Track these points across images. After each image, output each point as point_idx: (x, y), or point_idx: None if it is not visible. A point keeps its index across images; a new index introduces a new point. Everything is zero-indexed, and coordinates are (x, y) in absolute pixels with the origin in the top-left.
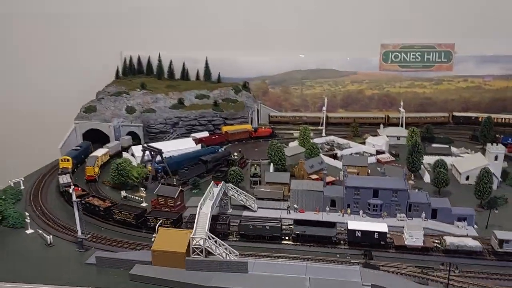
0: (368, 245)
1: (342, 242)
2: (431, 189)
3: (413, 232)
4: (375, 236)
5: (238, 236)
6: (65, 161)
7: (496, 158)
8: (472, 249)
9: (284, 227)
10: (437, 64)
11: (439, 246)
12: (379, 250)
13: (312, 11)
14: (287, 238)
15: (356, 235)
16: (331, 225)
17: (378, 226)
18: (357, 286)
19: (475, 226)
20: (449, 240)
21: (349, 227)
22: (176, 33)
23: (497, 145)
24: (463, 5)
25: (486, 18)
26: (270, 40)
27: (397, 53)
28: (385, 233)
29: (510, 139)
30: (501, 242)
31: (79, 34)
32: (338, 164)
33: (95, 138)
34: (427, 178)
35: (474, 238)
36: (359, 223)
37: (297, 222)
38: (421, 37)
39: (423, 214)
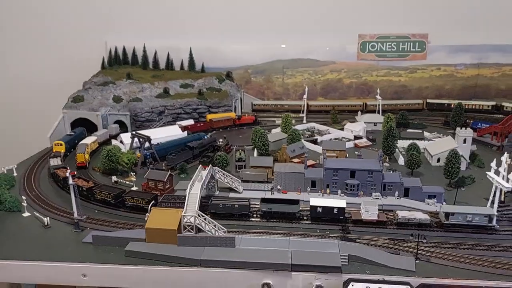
0: (328, 220)
1: (305, 218)
2: (405, 171)
3: (369, 207)
4: (335, 212)
5: (208, 215)
6: (58, 145)
7: (464, 141)
8: (421, 221)
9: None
10: (412, 53)
11: (392, 219)
12: (339, 224)
13: (292, 2)
14: (255, 215)
15: (318, 210)
16: (295, 202)
17: (338, 202)
18: (335, 256)
19: (444, 203)
20: (400, 214)
21: (311, 204)
22: (161, 23)
23: (466, 129)
24: None
25: (458, 9)
26: (252, 30)
27: (374, 43)
28: (343, 208)
29: (479, 124)
30: (447, 215)
31: (64, 25)
32: (318, 149)
33: (83, 126)
34: (401, 160)
35: (424, 212)
36: (320, 200)
37: (264, 200)
38: (396, 28)
39: (396, 193)
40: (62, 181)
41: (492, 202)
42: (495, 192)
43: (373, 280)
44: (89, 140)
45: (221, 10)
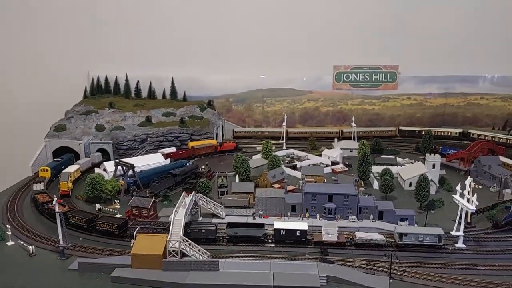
0: (291, 242)
1: (269, 241)
2: (379, 195)
3: (329, 229)
4: (297, 234)
5: None
6: (44, 171)
7: (433, 166)
8: (377, 242)
9: (219, 230)
10: (384, 83)
11: (351, 240)
12: (302, 246)
13: (270, 35)
14: (221, 240)
15: (281, 233)
16: (259, 226)
17: (300, 225)
18: (315, 277)
19: (415, 225)
20: (358, 235)
21: (275, 227)
22: (143, 53)
23: (434, 155)
24: (405, 32)
25: (425, 42)
26: (232, 60)
27: (348, 74)
28: (305, 230)
29: (448, 150)
30: (401, 235)
31: (47, 55)
32: (297, 174)
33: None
34: (375, 185)
35: (380, 233)
36: (283, 223)
37: (230, 225)
38: (369, 60)
39: (371, 216)
40: (41, 206)
41: (459, 224)
42: (461, 214)
43: None
44: (72, 168)
45: (202, 41)
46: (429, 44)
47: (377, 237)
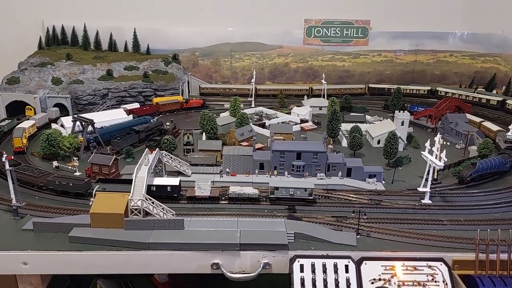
0: (163, 197)
1: (92, 194)
2: (348, 152)
3: (201, 184)
4: (168, 189)
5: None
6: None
7: (402, 123)
8: (250, 196)
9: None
10: (355, 39)
11: (224, 195)
12: (173, 202)
13: None
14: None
15: (152, 189)
16: (128, 182)
17: (171, 180)
18: (282, 234)
19: (383, 181)
20: (231, 189)
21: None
22: (102, 2)
23: (403, 112)
24: None
25: None
26: (198, 12)
27: (319, 28)
28: (176, 186)
29: (416, 108)
30: (273, 189)
31: None
32: (266, 132)
33: (20, 110)
34: (344, 142)
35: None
36: (155, 179)
37: (101, 180)
38: (340, 14)
39: (340, 173)
40: None
41: (426, 180)
42: (429, 171)
43: (318, 255)
44: (26, 124)
45: None
46: None
47: (250, 191)
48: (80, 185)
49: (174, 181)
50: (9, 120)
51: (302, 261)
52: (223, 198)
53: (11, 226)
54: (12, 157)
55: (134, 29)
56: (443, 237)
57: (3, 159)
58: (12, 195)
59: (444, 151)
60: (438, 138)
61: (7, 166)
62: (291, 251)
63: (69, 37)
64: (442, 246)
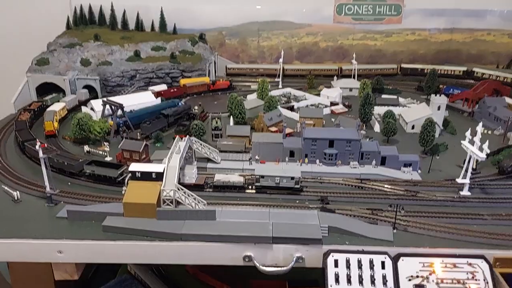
0: None
1: (125, 182)
2: (381, 138)
3: (186, 172)
4: (153, 176)
5: None
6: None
7: (439, 108)
8: (235, 184)
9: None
10: (388, 17)
11: (209, 182)
12: None
13: None
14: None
15: (137, 175)
16: (117, 166)
17: (157, 167)
18: (315, 227)
19: (419, 171)
20: (217, 177)
21: (130, 169)
22: None
23: (440, 95)
24: None
25: None
26: None
27: (350, 6)
28: (161, 173)
29: (451, 90)
30: (259, 177)
31: None
32: (295, 116)
33: (49, 91)
34: (377, 128)
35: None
36: (140, 165)
37: (90, 163)
38: None
39: (374, 162)
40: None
41: (466, 171)
42: (468, 161)
43: (353, 250)
44: (57, 106)
45: None
46: None
47: (234, 179)
48: (74, 165)
49: (159, 167)
50: (55, 94)
51: (336, 256)
52: (208, 186)
53: (45, 213)
54: (45, 145)
55: (161, 8)
56: (484, 232)
57: (37, 146)
58: (46, 183)
59: (487, 142)
60: (479, 127)
61: (40, 154)
62: (325, 246)
63: (96, 16)
64: (483, 242)
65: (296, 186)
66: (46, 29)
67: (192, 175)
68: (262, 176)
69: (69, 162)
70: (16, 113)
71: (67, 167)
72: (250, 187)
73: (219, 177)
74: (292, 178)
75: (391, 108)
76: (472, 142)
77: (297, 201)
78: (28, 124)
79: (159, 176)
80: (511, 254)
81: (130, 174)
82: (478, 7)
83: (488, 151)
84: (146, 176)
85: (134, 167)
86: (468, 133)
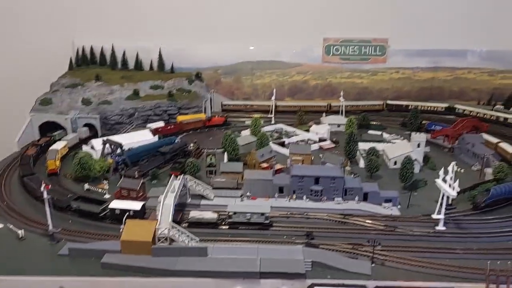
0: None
1: (108, 218)
2: (365, 174)
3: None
4: (131, 214)
5: None
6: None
7: (418, 145)
8: (208, 220)
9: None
10: (373, 57)
11: (184, 219)
12: None
13: (260, 6)
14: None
15: (116, 212)
16: (100, 203)
17: (134, 205)
18: (300, 263)
19: (399, 206)
20: (192, 214)
21: (110, 206)
22: (130, 23)
23: (423, 131)
24: (396, 5)
25: (415, 16)
26: (221, 31)
27: (338, 47)
28: (138, 211)
29: (434, 126)
30: (230, 214)
31: (30, 23)
32: (285, 151)
33: (52, 130)
34: (362, 163)
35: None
36: (119, 202)
37: (77, 198)
38: (358, 33)
39: (357, 197)
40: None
41: (441, 205)
42: (443, 197)
43: (334, 284)
44: (59, 145)
45: (190, 11)
46: (420, 18)
47: (208, 215)
48: (61, 200)
49: (137, 205)
50: (61, 131)
51: None
52: (184, 222)
53: (48, 250)
54: (49, 186)
55: (160, 48)
56: (455, 266)
57: (42, 188)
58: (49, 221)
59: (457, 181)
60: (451, 166)
61: (45, 195)
62: (309, 280)
63: (97, 57)
64: (454, 276)
65: (266, 221)
66: (49, 69)
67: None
68: (234, 213)
69: (58, 197)
70: (20, 150)
71: (56, 201)
72: (223, 223)
73: (194, 214)
74: (262, 214)
75: (375, 144)
76: (444, 180)
77: (285, 237)
78: (34, 158)
79: (137, 214)
80: (479, 287)
81: (109, 211)
82: (459, 47)
83: (459, 190)
84: (124, 214)
85: (115, 204)
86: (441, 172)
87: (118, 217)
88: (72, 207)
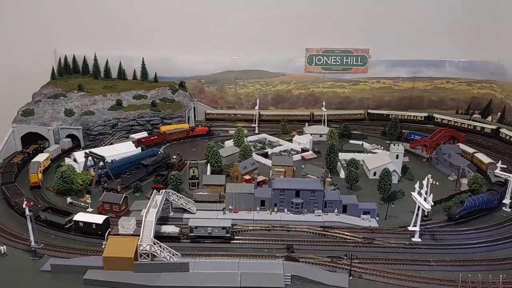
0: (89, 233)
1: (72, 230)
2: (346, 185)
3: (124, 223)
4: (93, 227)
5: None
6: None
7: (397, 157)
8: (170, 234)
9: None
10: (354, 67)
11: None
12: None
13: (243, 16)
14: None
15: (80, 225)
16: (67, 214)
17: (97, 218)
18: (280, 277)
19: (377, 218)
20: (156, 228)
21: (75, 218)
22: (112, 32)
23: (398, 145)
24: (377, 16)
25: (396, 27)
26: (204, 41)
27: (320, 57)
28: (99, 224)
29: (413, 135)
30: (192, 228)
31: (10, 32)
32: (268, 162)
33: (33, 141)
34: (342, 174)
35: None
36: (84, 215)
37: (46, 209)
38: (340, 43)
39: (336, 210)
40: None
41: (417, 215)
42: (418, 209)
43: None
44: (41, 157)
45: (174, 20)
46: (400, 29)
47: (170, 229)
48: (32, 210)
49: (99, 219)
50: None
51: None
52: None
53: (31, 266)
54: (31, 203)
55: (143, 58)
56: (429, 278)
57: (24, 205)
58: (31, 237)
59: (431, 195)
60: (426, 180)
61: (27, 212)
62: None
63: (80, 66)
64: None
65: (227, 235)
66: (31, 79)
67: (129, 226)
68: (196, 227)
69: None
70: (3, 162)
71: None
72: (185, 237)
73: (157, 229)
74: (223, 228)
75: (355, 155)
76: (420, 194)
77: (265, 250)
78: (19, 165)
79: (99, 227)
80: None
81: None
82: (438, 58)
83: (433, 204)
84: (88, 227)
85: (79, 217)
86: (417, 186)
87: (82, 229)
88: (41, 217)
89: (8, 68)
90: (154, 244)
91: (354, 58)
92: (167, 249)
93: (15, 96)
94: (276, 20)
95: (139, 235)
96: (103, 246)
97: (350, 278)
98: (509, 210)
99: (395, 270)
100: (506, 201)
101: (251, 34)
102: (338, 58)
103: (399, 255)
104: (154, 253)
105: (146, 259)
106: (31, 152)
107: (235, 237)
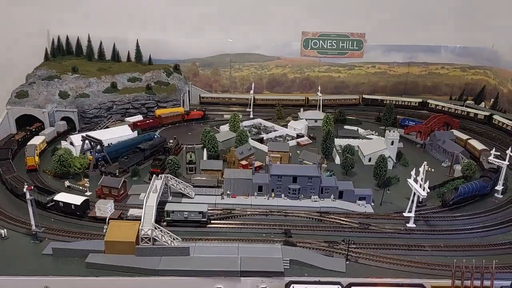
0: (69, 213)
1: (54, 209)
2: (341, 170)
3: (101, 206)
4: (72, 208)
5: None
6: None
7: (392, 143)
8: (137, 218)
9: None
10: (350, 51)
11: (123, 217)
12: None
13: None
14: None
15: (60, 205)
16: (50, 193)
17: (77, 199)
18: (279, 261)
19: (372, 203)
20: (130, 212)
21: (55, 198)
22: (106, 12)
23: (393, 131)
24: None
25: (392, 12)
26: (199, 23)
27: (316, 41)
28: (78, 205)
29: (407, 121)
30: (168, 212)
31: (1, 11)
32: (264, 148)
33: (28, 123)
34: (338, 160)
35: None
36: (64, 196)
37: (40, 189)
38: (336, 27)
39: (332, 196)
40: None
41: (412, 202)
42: (414, 195)
43: (311, 281)
44: (37, 140)
45: (168, 2)
46: (396, 13)
47: (136, 213)
48: (18, 187)
49: (78, 200)
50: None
51: (296, 286)
52: (122, 219)
53: (31, 250)
54: (32, 188)
55: (137, 40)
56: (424, 263)
57: (24, 189)
58: (32, 221)
59: (427, 183)
60: (422, 167)
61: (27, 196)
62: (287, 277)
63: (73, 47)
64: (422, 272)
65: (204, 219)
66: (24, 60)
67: (105, 209)
68: (172, 211)
69: (18, 185)
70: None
71: (14, 188)
72: (161, 221)
73: (133, 212)
74: (200, 212)
75: (350, 141)
76: (416, 180)
77: (264, 235)
78: (20, 143)
79: (77, 208)
80: (446, 283)
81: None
82: (433, 43)
83: (428, 190)
84: (67, 207)
85: (59, 197)
86: (413, 172)
87: (62, 209)
88: (30, 198)
89: (0, 48)
90: (156, 228)
91: (350, 42)
92: (168, 233)
93: (8, 77)
94: (273, 3)
95: (140, 220)
96: (104, 231)
97: (347, 262)
98: (501, 196)
99: (390, 255)
100: (499, 187)
101: (247, 16)
102: (334, 42)
103: (394, 240)
104: (155, 237)
105: (148, 243)
106: (33, 130)
107: (211, 222)
